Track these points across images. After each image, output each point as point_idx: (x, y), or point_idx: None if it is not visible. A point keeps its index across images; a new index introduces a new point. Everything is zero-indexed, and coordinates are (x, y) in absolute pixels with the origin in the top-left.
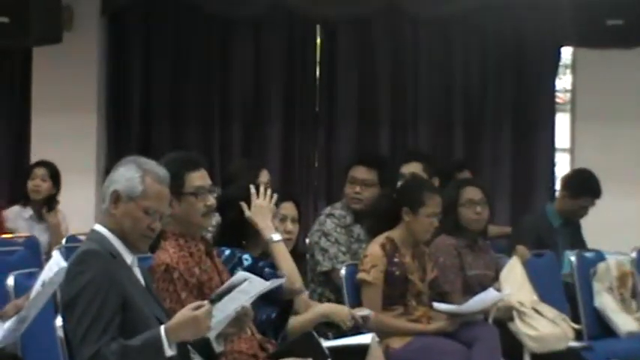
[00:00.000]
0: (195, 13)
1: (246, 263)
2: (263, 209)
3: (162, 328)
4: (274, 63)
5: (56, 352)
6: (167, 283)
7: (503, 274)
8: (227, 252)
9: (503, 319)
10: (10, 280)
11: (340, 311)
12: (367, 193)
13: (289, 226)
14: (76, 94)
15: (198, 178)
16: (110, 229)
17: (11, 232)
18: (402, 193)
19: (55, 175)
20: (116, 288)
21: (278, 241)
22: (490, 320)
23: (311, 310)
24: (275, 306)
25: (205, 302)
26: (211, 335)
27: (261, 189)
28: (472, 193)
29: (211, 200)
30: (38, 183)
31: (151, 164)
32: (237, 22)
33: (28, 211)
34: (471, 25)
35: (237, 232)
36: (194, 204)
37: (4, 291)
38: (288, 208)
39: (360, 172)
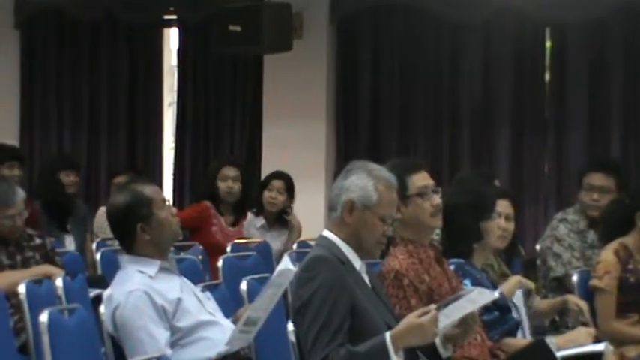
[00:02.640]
0: (424, 18)
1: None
2: None
3: (387, 334)
4: (503, 67)
5: (288, 357)
6: (397, 290)
7: None
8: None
9: None
10: (244, 285)
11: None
12: (605, 200)
13: (503, 223)
14: (305, 101)
15: (421, 179)
16: (341, 236)
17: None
18: (636, 198)
19: (290, 188)
20: (345, 293)
21: None
22: None
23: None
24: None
25: (432, 307)
26: (437, 340)
27: None
28: None
29: (437, 200)
30: (275, 195)
31: (380, 171)
32: (465, 25)
33: (260, 221)
34: None
35: (464, 240)
36: (421, 205)
37: (238, 295)
38: (504, 206)
39: (598, 179)
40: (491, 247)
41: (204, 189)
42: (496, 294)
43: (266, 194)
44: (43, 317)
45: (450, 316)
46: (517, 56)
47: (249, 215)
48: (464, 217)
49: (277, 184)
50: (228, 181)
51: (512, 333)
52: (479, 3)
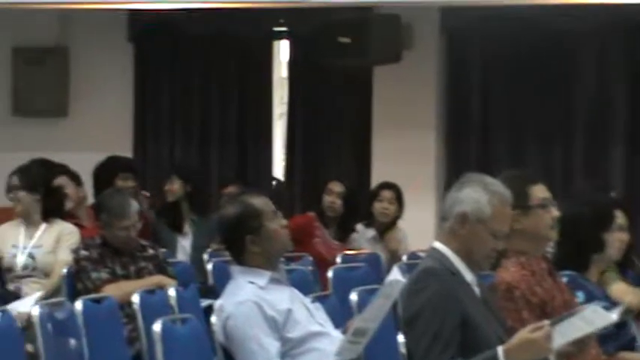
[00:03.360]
0: (535, 28)
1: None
2: None
3: (500, 348)
4: (617, 77)
5: None
6: (508, 302)
7: None
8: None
9: None
10: (354, 296)
11: None
12: None
13: (621, 234)
14: (414, 112)
15: (541, 190)
16: (451, 248)
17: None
18: None
19: (399, 198)
20: (456, 306)
21: None
22: None
23: None
24: None
25: (545, 323)
26: (552, 358)
27: None
28: None
29: (555, 212)
30: (386, 206)
31: (496, 185)
32: (579, 34)
33: (371, 232)
34: None
35: (583, 252)
36: (542, 216)
37: (348, 306)
38: (618, 216)
39: None
40: (610, 258)
41: (313, 200)
42: (614, 317)
43: (377, 205)
44: (157, 327)
45: (565, 335)
46: (631, 66)
47: (360, 227)
48: (585, 228)
49: (387, 194)
50: (332, 196)
51: (629, 347)
52: (591, 11)
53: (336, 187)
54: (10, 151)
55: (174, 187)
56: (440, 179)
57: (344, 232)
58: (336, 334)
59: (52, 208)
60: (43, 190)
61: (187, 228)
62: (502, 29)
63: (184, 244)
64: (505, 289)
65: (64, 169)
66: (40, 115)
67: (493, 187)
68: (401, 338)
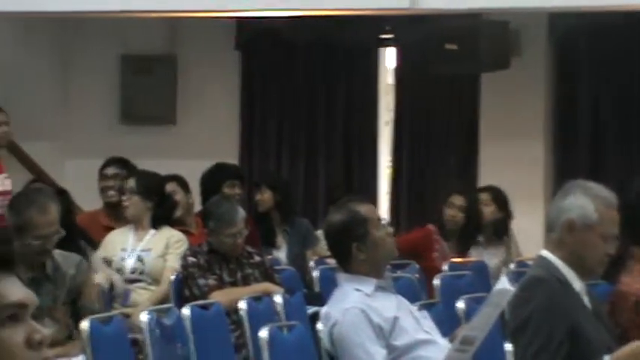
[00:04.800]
0: None
1: None
2: None
3: (607, 357)
4: None
5: None
6: (636, 315)
7: None
8: None
9: None
10: (461, 304)
11: None
12: None
13: None
14: (523, 119)
15: None
16: (560, 257)
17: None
18: None
19: (498, 199)
20: (563, 316)
21: None
22: None
23: None
24: None
25: None
26: None
27: None
28: None
29: None
30: (481, 207)
31: (598, 189)
32: None
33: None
34: None
35: None
36: None
37: (454, 314)
38: None
39: None
40: None
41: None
42: None
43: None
44: (264, 333)
45: None
46: None
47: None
48: None
49: (483, 196)
50: (454, 210)
51: None
52: None
53: (458, 200)
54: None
55: (265, 197)
56: (548, 188)
57: (464, 245)
58: (443, 343)
59: (163, 216)
60: (157, 199)
61: (280, 240)
62: (611, 35)
63: (278, 256)
64: (635, 302)
65: (174, 177)
66: (148, 122)
67: (596, 192)
68: (508, 347)
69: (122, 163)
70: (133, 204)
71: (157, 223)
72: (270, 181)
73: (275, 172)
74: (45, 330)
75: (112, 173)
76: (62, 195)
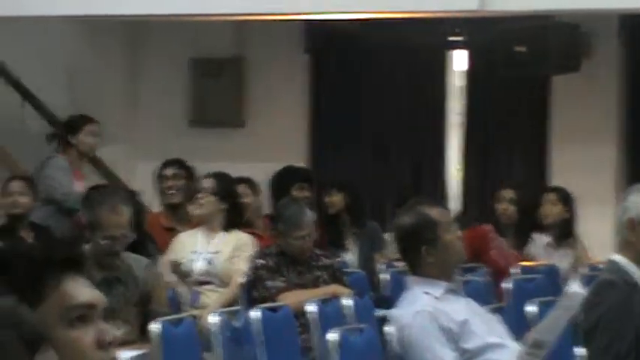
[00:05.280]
0: None
1: None
2: None
3: None
4: None
5: None
6: None
7: None
8: None
9: None
10: (531, 307)
11: None
12: None
13: None
14: (594, 122)
15: None
16: (629, 258)
17: (531, 260)
18: None
19: (565, 199)
20: (632, 320)
21: None
22: None
23: None
24: None
25: None
26: None
27: None
28: None
29: None
30: (549, 207)
31: None
32: None
33: (546, 239)
34: None
35: None
36: None
37: (524, 317)
38: None
39: None
40: None
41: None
42: None
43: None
44: (332, 336)
45: None
46: None
47: (535, 234)
48: None
49: (550, 196)
50: (504, 203)
51: None
52: None
53: (508, 193)
54: (188, 161)
55: (335, 199)
56: (620, 192)
57: (521, 240)
58: (514, 347)
59: (235, 220)
60: (231, 201)
61: (349, 242)
62: None
63: (347, 258)
64: None
65: (244, 179)
66: (216, 125)
67: None
68: (578, 351)
69: (179, 163)
70: (208, 204)
71: (227, 226)
72: (340, 184)
73: (345, 174)
74: (115, 331)
75: (172, 174)
76: (134, 198)
